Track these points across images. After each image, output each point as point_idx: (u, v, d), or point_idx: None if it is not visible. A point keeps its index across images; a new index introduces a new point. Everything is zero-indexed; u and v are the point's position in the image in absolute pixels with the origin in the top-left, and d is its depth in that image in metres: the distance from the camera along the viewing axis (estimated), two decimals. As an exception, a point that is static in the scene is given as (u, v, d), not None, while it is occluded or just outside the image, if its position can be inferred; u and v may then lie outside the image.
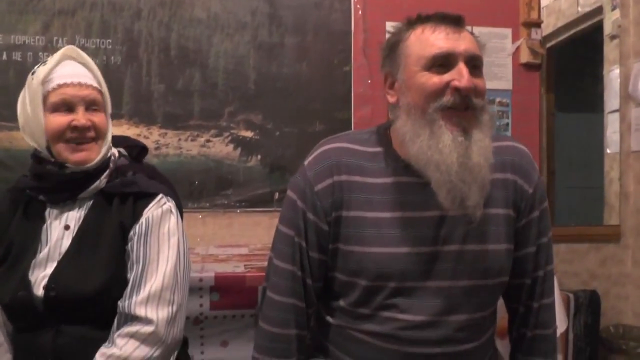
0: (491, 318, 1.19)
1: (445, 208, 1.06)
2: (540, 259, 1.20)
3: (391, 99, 1.15)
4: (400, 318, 1.09)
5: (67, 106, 1.24)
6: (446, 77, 1.05)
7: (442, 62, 1.06)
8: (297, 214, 1.14)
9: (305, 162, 1.18)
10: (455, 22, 1.09)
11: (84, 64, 1.29)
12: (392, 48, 1.14)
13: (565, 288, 2.53)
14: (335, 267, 1.14)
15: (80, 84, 1.25)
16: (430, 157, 1.04)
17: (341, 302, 1.15)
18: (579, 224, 2.84)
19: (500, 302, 1.25)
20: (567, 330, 2.26)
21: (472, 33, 1.13)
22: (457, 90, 1.04)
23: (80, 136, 1.24)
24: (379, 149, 1.15)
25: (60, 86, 1.24)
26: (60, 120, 1.23)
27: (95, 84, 1.28)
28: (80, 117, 1.24)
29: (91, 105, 1.26)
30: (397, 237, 1.09)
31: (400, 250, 1.09)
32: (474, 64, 1.07)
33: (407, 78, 1.09)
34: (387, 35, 1.19)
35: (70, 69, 1.26)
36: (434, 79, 1.05)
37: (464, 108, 1.05)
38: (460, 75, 1.04)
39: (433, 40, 1.07)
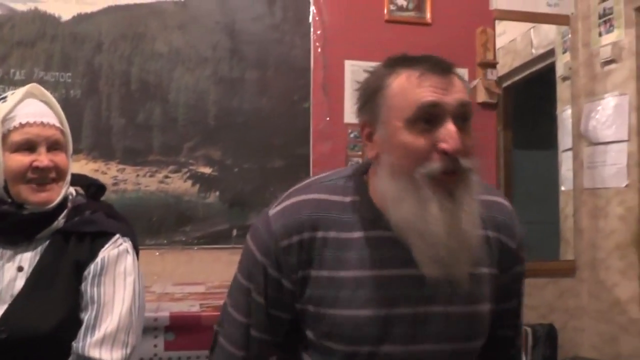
0: None
1: (426, 272, 0.96)
2: (520, 310, 1.17)
3: (370, 153, 1.03)
4: None
5: (29, 146, 1.21)
6: (431, 137, 0.93)
7: (429, 117, 0.94)
8: (257, 269, 1.04)
9: (270, 212, 1.05)
10: (444, 68, 0.97)
11: (47, 103, 1.27)
12: (371, 95, 1.00)
13: (524, 322, 2.56)
14: (304, 326, 1.05)
15: (43, 124, 1.22)
16: (414, 224, 0.95)
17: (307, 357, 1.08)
18: (537, 259, 2.89)
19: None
20: (526, 365, 2.28)
21: (461, 79, 1.01)
22: (445, 153, 0.92)
23: (41, 177, 1.21)
24: (354, 198, 1.04)
25: (22, 125, 1.21)
26: (21, 160, 1.20)
27: (57, 124, 1.26)
28: (43, 158, 1.21)
29: (53, 146, 1.24)
30: (373, 298, 0.99)
31: (376, 312, 0.99)
32: (464, 116, 0.96)
33: (390, 135, 0.97)
34: (366, 76, 1.06)
35: (33, 108, 1.23)
36: (420, 142, 0.94)
37: (452, 172, 0.94)
38: (448, 137, 0.92)
39: (419, 91, 0.94)
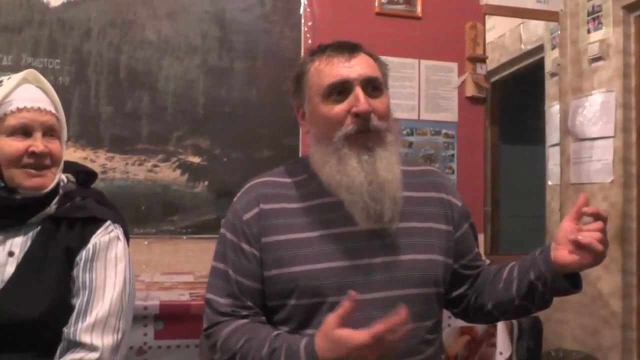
0: (434, 331, 1.20)
1: (362, 225, 1.12)
2: (479, 254, 1.33)
3: (304, 129, 1.23)
4: None
5: (24, 131, 1.21)
6: (345, 104, 1.12)
7: (340, 90, 1.13)
8: (226, 247, 1.18)
9: (235, 200, 1.23)
10: (350, 49, 1.16)
11: (43, 89, 1.27)
12: (298, 80, 1.21)
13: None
14: (274, 294, 1.15)
15: (39, 109, 1.23)
16: (340, 180, 1.12)
17: (285, 329, 1.15)
18: (522, 253, 2.91)
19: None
20: (511, 355, 2.31)
21: (372, 55, 1.19)
22: (356, 115, 1.11)
23: (37, 162, 1.22)
24: (302, 177, 1.22)
25: (19, 110, 1.21)
26: (17, 145, 1.20)
27: (53, 110, 1.26)
28: (39, 144, 1.21)
29: (48, 132, 1.24)
30: (329, 253, 1.12)
31: (334, 264, 1.11)
32: (373, 85, 1.14)
33: (311, 109, 1.18)
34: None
35: (30, 94, 1.24)
36: (335, 109, 1.12)
37: (366, 130, 1.11)
38: (357, 101, 1.11)
39: (328, 70, 1.14)
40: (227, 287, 1.16)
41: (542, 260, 1.13)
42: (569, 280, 1.12)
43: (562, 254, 1.10)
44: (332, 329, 0.99)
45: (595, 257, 1.07)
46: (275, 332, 1.10)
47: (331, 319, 0.99)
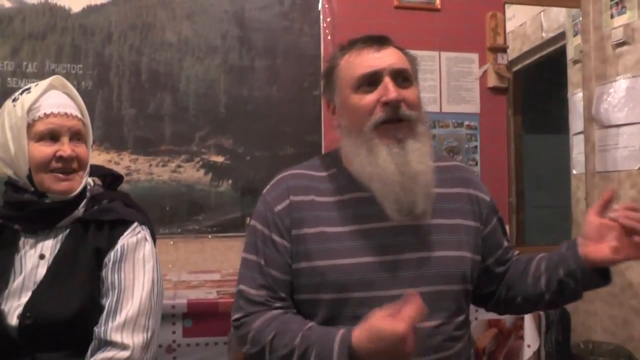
0: (462, 327, 1.19)
1: (393, 219, 1.10)
2: (510, 248, 1.31)
3: (335, 123, 1.23)
4: None
5: (52, 136, 1.24)
6: (374, 94, 1.12)
7: (370, 81, 1.13)
8: (257, 238, 1.18)
9: (264, 192, 1.24)
10: (379, 42, 1.17)
11: (69, 94, 1.30)
12: (329, 75, 1.23)
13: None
14: (301, 287, 1.15)
15: (66, 115, 1.25)
16: (371, 172, 1.11)
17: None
18: (548, 243, 2.88)
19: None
20: (539, 348, 2.29)
21: (401, 49, 1.21)
22: (386, 104, 1.11)
23: (65, 166, 1.24)
24: (332, 171, 1.21)
25: (47, 115, 1.23)
26: (45, 150, 1.23)
27: (79, 115, 1.29)
28: (66, 148, 1.24)
29: (75, 136, 1.27)
30: (357, 248, 1.12)
31: (362, 259, 1.11)
32: (403, 76, 1.15)
33: (342, 101, 1.18)
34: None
35: (57, 99, 1.26)
36: (365, 99, 1.13)
37: (397, 120, 1.11)
38: (386, 90, 1.11)
39: (359, 62, 1.15)
40: (260, 278, 1.15)
41: (571, 257, 1.12)
42: (599, 274, 1.10)
43: (593, 249, 1.08)
44: (375, 321, 0.96)
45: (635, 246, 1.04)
46: (309, 325, 1.09)
47: (379, 313, 0.97)
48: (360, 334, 0.98)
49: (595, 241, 1.08)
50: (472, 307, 1.44)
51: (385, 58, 1.14)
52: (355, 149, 1.14)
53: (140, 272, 1.25)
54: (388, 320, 0.94)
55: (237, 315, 1.17)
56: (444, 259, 1.15)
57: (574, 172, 2.94)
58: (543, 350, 2.48)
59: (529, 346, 2.07)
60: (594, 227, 1.09)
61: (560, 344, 2.55)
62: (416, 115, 1.13)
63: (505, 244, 1.29)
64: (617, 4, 2.67)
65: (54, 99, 1.26)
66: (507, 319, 2.07)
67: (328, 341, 1.02)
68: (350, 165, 1.17)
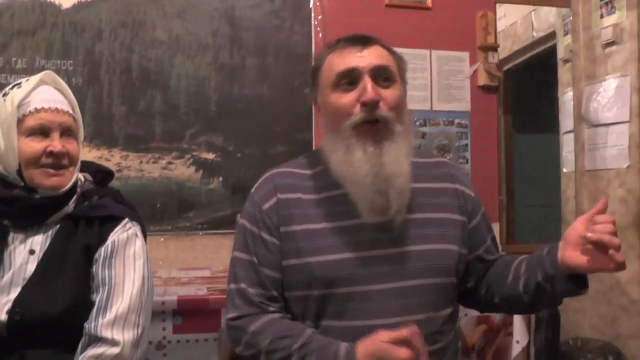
0: (449, 321, 1.20)
1: (366, 218, 1.12)
2: (495, 243, 1.32)
3: (321, 122, 1.25)
4: (359, 325, 1.09)
5: (42, 131, 1.23)
6: (354, 94, 1.12)
7: (350, 80, 1.13)
8: (247, 237, 1.19)
9: (252, 190, 1.25)
10: (363, 41, 1.16)
11: (60, 90, 1.29)
12: (314, 74, 1.23)
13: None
14: (292, 284, 1.15)
15: (57, 110, 1.25)
16: (345, 171, 1.12)
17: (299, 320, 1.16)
18: (538, 241, 2.90)
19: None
20: (528, 345, 2.30)
21: (388, 48, 1.19)
22: (364, 104, 1.11)
23: (55, 162, 1.24)
24: (317, 169, 1.22)
25: (37, 110, 1.23)
26: (36, 145, 1.22)
27: (70, 111, 1.29)
28: (57, 144, 1.23)
29: (66, 132, 1.27)
30: (338, 245, 1.13)
31: (343, 256, 1.12)
32: (384, 76, 1.14)
33: (323, 99, 1.19)
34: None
35: (47, 95, 1.26)
36: (344, 98, 1.13)
37: (375, 121, 1.11)
38: (364, 90, 1.11)
39: (339, 60, 1.15)
40: (253, 277, 1.16)
41: (549, 261, 1.11)
42: (576, 281, 1.09)
43: (571, 255, 1.07)
44: (381, 339, 0.99)
45: (612, 260, 1.01)
46: (307, 332, 1.10)
47: (384, 334, 0.99)
48: (365, 351, 1.00)
49: (575, 247, 1.07)
50: (461, 304, 1.44)
51: (367, 57, 1.14)
52: (333, 146, 1.15)
53: (131, 268, 1.25)
54: (393, 346, 0.96)
55: (232, 315, 1.16)
56: (427, 252, 1.15)
57: (564, 170, 2.96)
58: (532, 347, 2.50)
59: (517, 342, 2.09)
60: (577, 234, 1.07)
61: (549, 341, 2.57)
62: (393, 115, 1.13)
63: (489, 241, 1.30)
64: (606, 4, 2.69)
65: (44, 94, 1.26)
66: (497, 315, 2.09)
67: (331, 353, 1.04)
68: (328, 161, 1.18)
